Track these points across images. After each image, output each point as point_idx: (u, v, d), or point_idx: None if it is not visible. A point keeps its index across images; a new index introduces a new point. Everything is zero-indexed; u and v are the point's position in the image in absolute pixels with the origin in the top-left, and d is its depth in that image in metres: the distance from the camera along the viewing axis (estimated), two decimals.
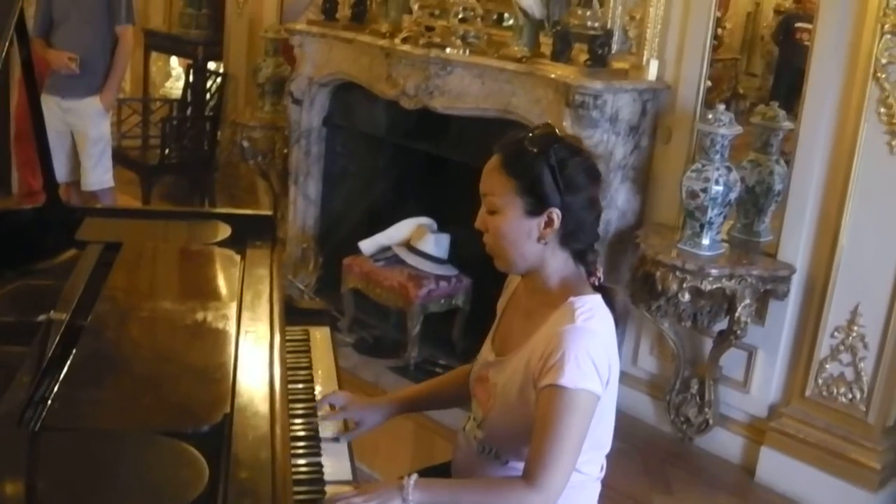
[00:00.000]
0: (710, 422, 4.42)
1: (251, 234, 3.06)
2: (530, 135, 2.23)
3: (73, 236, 2.93)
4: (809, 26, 4.66)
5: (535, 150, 2.18)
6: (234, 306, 2.45)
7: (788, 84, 5.00)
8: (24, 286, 2.74)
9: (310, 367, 2.79)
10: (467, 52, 4.77)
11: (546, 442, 2.08)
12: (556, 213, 2.19)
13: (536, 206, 2.19)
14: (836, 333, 4.05)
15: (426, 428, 4.25)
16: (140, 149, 7.34)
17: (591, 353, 2.11)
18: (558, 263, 2.26)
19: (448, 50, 4.77)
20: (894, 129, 3.81)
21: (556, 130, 2.30)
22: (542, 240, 2.21)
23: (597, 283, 2.29)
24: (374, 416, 2.58)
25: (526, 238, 2.22)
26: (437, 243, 5.06)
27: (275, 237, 3.15)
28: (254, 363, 2.19)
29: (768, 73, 5.48)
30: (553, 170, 2.17)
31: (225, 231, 3.01)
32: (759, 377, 4.38)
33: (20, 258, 2.86)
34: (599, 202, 2.31)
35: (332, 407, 2.56)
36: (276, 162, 6.22)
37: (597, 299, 2.23)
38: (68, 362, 2.03)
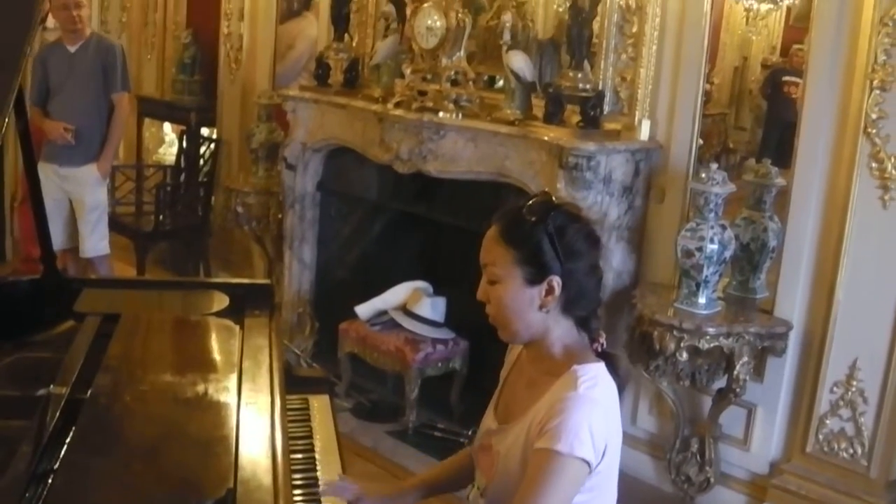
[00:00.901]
0: (712, 480, 4.39)
1: (249, 303, 3.06)
2: (528, 203, 2.23)
3: (71, 307, 2.92)
4: (797, 80, 4.70)
5: (533, 218, 2.18)
6: (234, 377, 2.45)
7: (778, 137, 5.03)
8: (23, 359, 2.74)
9: (310, 437, 2.79)
10: (460, 115, 4.80)
11: (528, 501, 2.08)
12: (556, 281, 2.18)
13: (537, 274, 2.18)
14: (835, 388, 4.05)
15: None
16: (134, 215, 7.34)
17: (591, 423, 2.10)
18: (561, 331, 2.24)
19: (441, 114, 4.80)
20: (886, 183, 3.85)
21: (554, 198, 2.30)
22: (543, 308, 2.20)
23: (600, 350, 2.28)
24: None
25: (528, 307, 2.20)
26: (433, 307, 5.07)
27: (273, 306, 3.15)
28: (255, 436, 2.18)
29: (757, 126, 5.49)
30: (552, 238, 2.17)
31: (223, 301, 3.02)
32: (759, 434, 4.36)
33: (17, 330, 2.85)
34: (600, 268, 2.30)
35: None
36: (271, 227, 6.23)
37: (600, 367, 2.21)
38: (69, 437, 2.02)
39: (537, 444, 2.11)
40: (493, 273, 2.23)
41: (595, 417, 2.11)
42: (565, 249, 2.18)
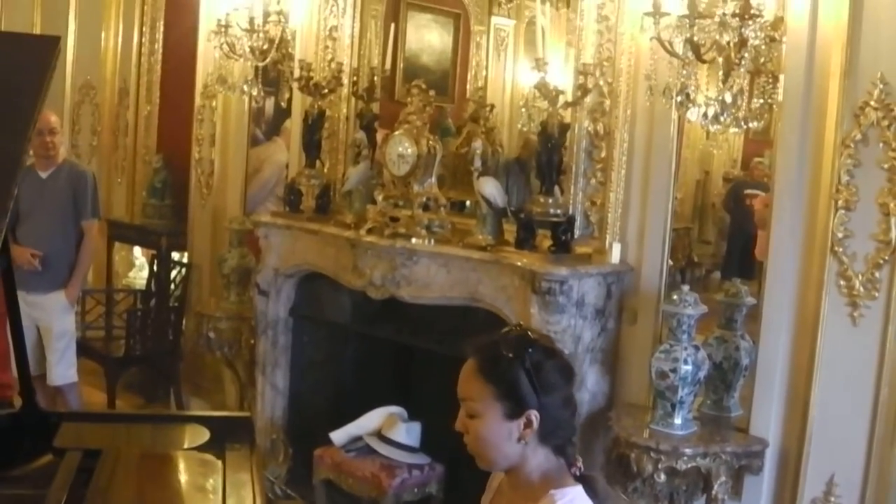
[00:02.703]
0: None
1: (229, 437, 3.06)
2: (504, 337, 2.30)
3: (51, 442, 2.91)
4: (759, 192, 4.82)
5: (510, 354, 2.24)
6: None
7: (742, 250, 5.11)
8: (3, 495, 2.72)
9: None
10: (432, 241, 4.84)
11: None
12: (534, 415, 2.23)
13: (515, 409, 2.24)
14: None
15: None
16: (104, 340, 7.30)
17: None
18: (539, 459, 2.29)
19: (413, 240, 4.84)
20: (855, 300, 3.91)
21: (529, 332, 2.36)
22: (522, 440, 2.25)
23: (578, 474, 2.32)
24: None
25: (506, 440, 2.26)
26: (408, 432, 5.05)
27: (253, 439, 3.15)
28: None
29: (721, 239, 5.57)
30: (529, 374, 2.23)
31: (203, 435, 3.02)
32: None
33: None
34: (574, 399, 2.36)
35: None
36: (243, 352, 6.19)
37: (577, 490, 2.26)
38: None
39: None
40: (471, 407, 2.28)
41: None
42: (542, 384, 2.24)
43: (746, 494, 4.28)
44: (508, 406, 2.24)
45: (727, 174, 5.45)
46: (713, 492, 4.11)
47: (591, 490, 2.29)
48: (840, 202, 3.92)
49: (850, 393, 3.94)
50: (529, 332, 2.36)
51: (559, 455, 2.31)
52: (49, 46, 3.02)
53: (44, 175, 5.96)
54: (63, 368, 6.03)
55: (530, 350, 2.25)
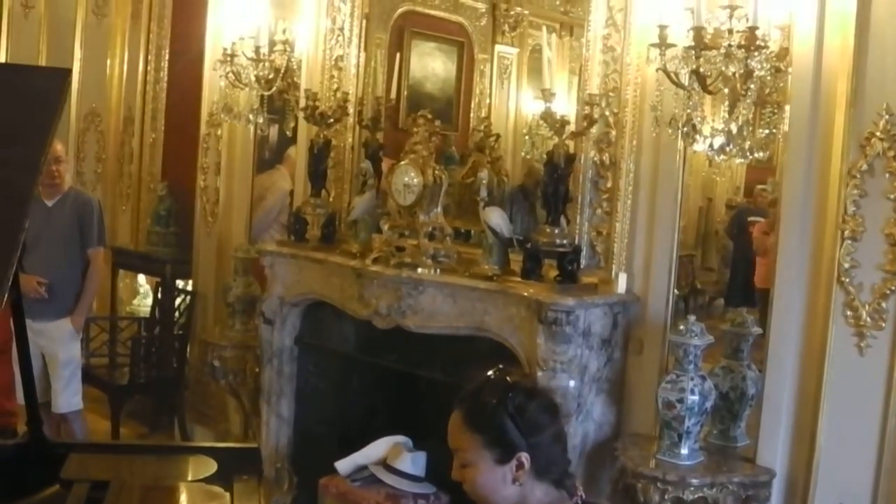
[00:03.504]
0: None
1: (237, 468, 3.05)
2: (486, 385, 2.36)
3: (57, 473, 2.91)
4: (762, 220, 4.82)
5: (493, 401, 2.30)
6: None
7: (745, 277, 5.11)
8: None
9: None
10: (438, 271, 4.84)
11: None
12: (525, 457, 2.29)
13: (505, 454, 2.30)
14: None
15: None
16: (108, 367, 7.30)
17: None
18: (539, 495, 2.35)
19: (419, 269, 4.84)
20: (862, 331, 3.92)
21: (509, 376, 2.40)
22: (517, 482, 2.31)
23: (580, 502, 2.37)
24: None
25: (502, 484, 2.31)
26: (413, 461, 5.03)
27: (260, 470, 3.15)
28: None
29: (724, 266, 5.57)
30: (514, 418, 2.29)
31: (211, 466, 3.01)
32: None
33: (2, 496, 2.83)
34: (564, 433, 2.44)
35: None
36: (248, 381, 6.18)
37: None
38: None
39: None
40: (463, 458, 2.35)
41: None
42: (528, 426, 2.30)
43: None
44: (498, 452, 2.30)
45: (730, 201, 5.45)
46: None
47: None
48: (846, 232, 3.93)
49: (858, 423, 3.95)
50: (509, 376, 2.40)
51: (559, 488, 2.37)
52: (59, 80, 3.03)
53: (49, 203, 5.97)
54: (69, 396, 6.03)
55: (511, 394, 2.31)
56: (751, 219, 5.17)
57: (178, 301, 7.35)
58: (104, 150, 8.36)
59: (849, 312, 3.95)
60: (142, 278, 8.32)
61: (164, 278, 7.48)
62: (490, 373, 2.43)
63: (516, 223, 4.86)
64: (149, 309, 7.76)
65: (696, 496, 4.05)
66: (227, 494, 2.82)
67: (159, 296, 7.52)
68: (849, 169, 3.92)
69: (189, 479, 2.96)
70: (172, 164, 7.84)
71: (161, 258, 7.57)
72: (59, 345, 5.98)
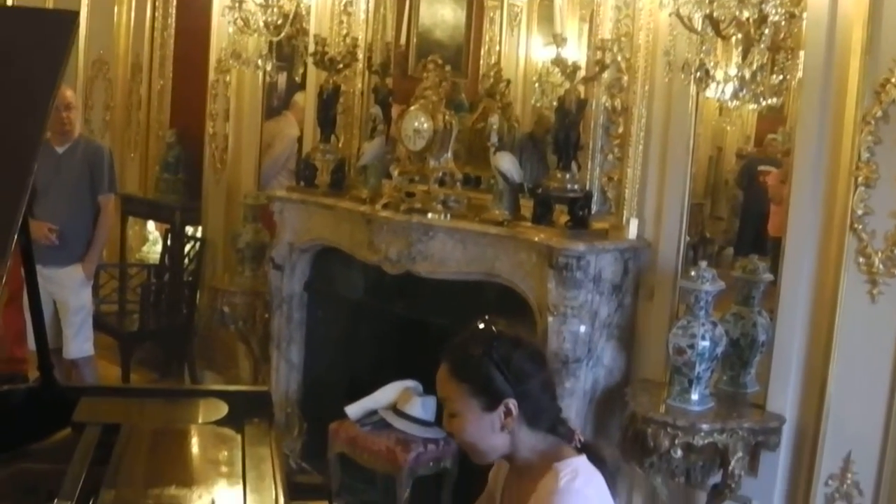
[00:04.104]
0: None
1: (248, 411, 3.06)
2: (471, 335, 2.38)
3: (68, 416, 2.91)
4: (773, 169, 4.79)
5: (478, 351, 2.33)
6: (239, 489, 2.46)
7: (755, 226, 5.09)
8: (23, 469, 2.72)
9: None
10: (448, 216, 4.84)
11: None
12: (512, 403, 2.32)
13: (491, 401, 2.32)
14: (829, 482, 4.05)
15: None
16: (118, 314, 7.36)
17: None
18: (532, 442, 2.38)
19: (429, 215, 4.84)
20: (874, 278, 3.89)
21: (494, 327, 2.41)
22: (505, 429, 2.34)
23: (579, 445, 2.39)
24: None
25: (490, 432, 2.35)
26: (423, 406, 5.04)
27: (271, 413, 3.15)
28: None
29: (734, 216, 5.54)
30: (499, 366, 2.32)
31: (222, 409, 3.02)
32: None
33: (15, 440, 2.84)
34: (552, 382, 2.47)
35: None
36: (257, 327, 6.20)
37: (580, 460, 2.34)
38: None
39: None
40: (451, 408, 2.39)
41: None
42: (514, 374, 2.33)
43: (763, 471, 4.28)
44: (484, 400, 2.32)
45: (740, 150, 5.41)
46: (730, 468, 4.10)
47: (595, 456, 2.37)
48: (860, 179, 3.90)
49: (868, 370, 3.94)
50: (494, 326, 2.41)
51: (554, 434, 2.40)
52: (67, 23, 3.00)
53: (60, 150, 5.98)
54: (80, 342, 6.06)
55: (496, 343, 2.34)
56: (761, 168, 5.14)
57: (187, 248, 7.37)
58: (112, 98, 8.33)
59: (861, 259, 3.92)
60: (151, 225, 8.32)
61: (174, 225, 7.49)
62: (477, 323, 2.44)
63: (526, 171, 4.83)
64: (158, 256, 7.78)
65: (705, 442, 4.06)
66: (239, 437, 2.82)
67: (168, 243, 7.53)
68: (863, 115, 3.88)
69: (200, 421, 2.97)
70: (181, 112, 7.81)
71: (170, 205, 7.57)
72: (70, 291, 6.00)
